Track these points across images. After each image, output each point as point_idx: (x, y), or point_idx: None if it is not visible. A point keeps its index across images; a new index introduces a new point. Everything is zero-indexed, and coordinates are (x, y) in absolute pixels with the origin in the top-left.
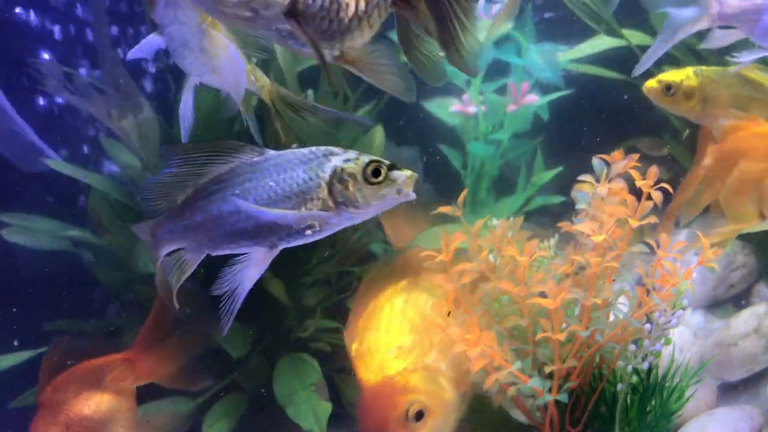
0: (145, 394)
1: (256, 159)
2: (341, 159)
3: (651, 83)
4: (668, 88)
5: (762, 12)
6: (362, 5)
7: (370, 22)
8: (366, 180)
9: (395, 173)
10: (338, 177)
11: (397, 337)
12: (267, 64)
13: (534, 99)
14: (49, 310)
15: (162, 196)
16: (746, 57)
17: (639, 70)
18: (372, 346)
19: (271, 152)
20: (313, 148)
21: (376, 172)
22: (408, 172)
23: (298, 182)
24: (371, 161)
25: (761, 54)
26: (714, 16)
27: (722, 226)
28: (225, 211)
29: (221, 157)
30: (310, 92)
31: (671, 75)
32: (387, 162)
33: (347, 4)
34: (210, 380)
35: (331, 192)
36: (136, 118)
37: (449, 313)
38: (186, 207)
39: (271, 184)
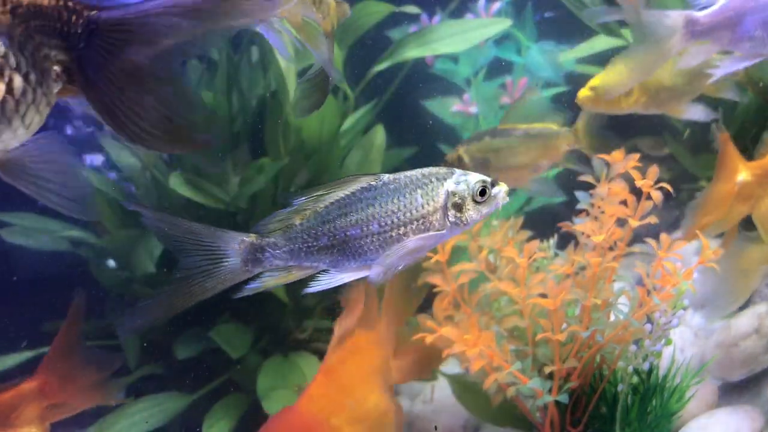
0: (141, 391)
1: (373, 183)
2: (452, 182)
3: (584, 92)
4: None
5: (735, 24)
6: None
7: (25, 122)
8: (473, 199)
9: (495, 190)
10: (452, 201)
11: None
12: (267, 64)
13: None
14: (49, 310)
15: (279, 220)
16: (728, 67)
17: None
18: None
19: (386, 177)
20: (425, 171)
21: (483, 192)
22: (504, 187)
23: (417, 207)
24: (477, 182)
25: (744, 63)
26: (686, 36)
27: (753, 245)
28: (352, 236)
29: (339, 184)
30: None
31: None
32: (488, 179)
33: None
34: (123, 393)
35: (445, 214)
36: None
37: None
38: (308, 231)
39: (393, 209)
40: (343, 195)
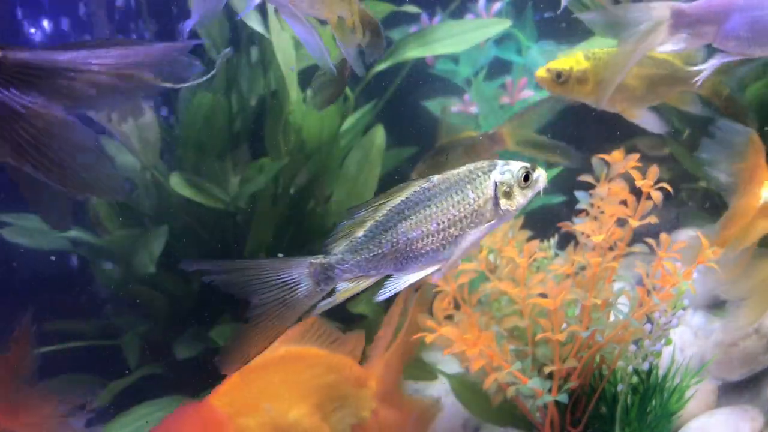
0: (142, 393)
1: (426, 186)
2: (498, 173)
3: (541, 72)
4: (558, 76)
5: (721, 21)
6: None
7: None
8: (519, 186)
9: (536, 174)
10: (501, 190)
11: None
12: (267, 64)
13: (530, 94)
14: (49, 310)
15: (342, 236)
16: (711, 63)
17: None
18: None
19: (435, 178)
20: (470, 167)
21: (527, 177)
22: (543, 171)
23: (470, 202)
24: (521, 169)
25: (727, 59)
26: (671, 27)
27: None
28: (413, 238)
29: (394, 192)
30: (309, 92)
31: (560, 62)
32: (528, 165)
33: None
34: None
35: (496, 203)
36: (137, 121)
37: None
38: (371, 241)
39: (448, 207)
40: (398, 201)
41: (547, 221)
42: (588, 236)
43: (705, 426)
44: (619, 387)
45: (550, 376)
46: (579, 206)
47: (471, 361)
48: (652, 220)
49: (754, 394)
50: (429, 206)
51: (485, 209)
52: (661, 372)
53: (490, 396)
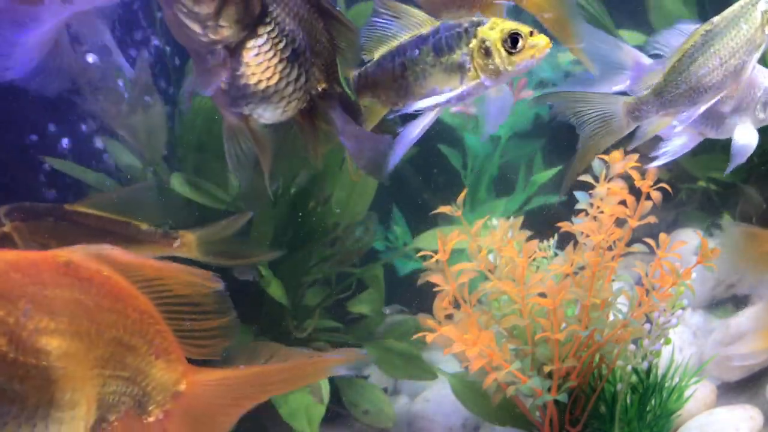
0: None
1: (708, 28)
2: (764, 2)
3: None
4: None
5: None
6: (267, 82)
7: (285, 100)
8: None
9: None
10: (767, 18)
11: None
12: None
13: (529, 94)
14: None
15: (648, 85)
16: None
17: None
18: None
19: (715, 19)
20: (740, 3)
21: None
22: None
23: (744, 33)
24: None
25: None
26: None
27: None
28: (702, 75)
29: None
30: None
31: None
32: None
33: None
34: None
35: (764, 30)
36: (146, 114)
37: None
38: (669, 83)
39: (727, 42)
40: (689, 45)
41: (546, 221)
42: (587, 236)
43: (704, 425)
44: (619, 386)
45: (550, 375)
46: (578, 206)
47: (471, 360)
48: (651, 220)
49: (753, 394)
50: (712, 45)
51: (756, 36)
52: (660, 371)
53: (490, 395)
